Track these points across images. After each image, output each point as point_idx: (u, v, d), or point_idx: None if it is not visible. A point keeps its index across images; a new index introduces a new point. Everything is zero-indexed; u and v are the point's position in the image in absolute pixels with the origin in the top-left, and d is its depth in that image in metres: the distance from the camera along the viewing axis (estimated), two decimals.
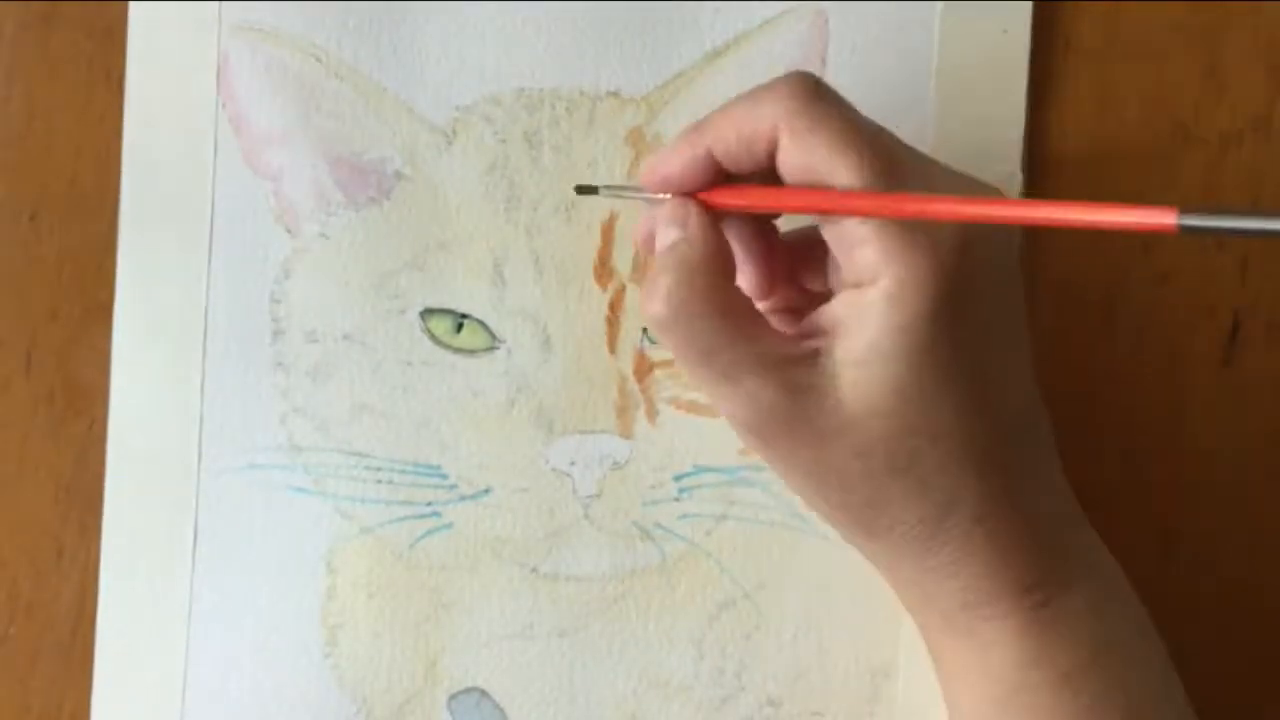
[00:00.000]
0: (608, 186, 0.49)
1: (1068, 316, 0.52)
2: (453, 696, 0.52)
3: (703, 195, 0.46)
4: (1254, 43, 0.52)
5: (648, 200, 0.47)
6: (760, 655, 0.52)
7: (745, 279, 0.47)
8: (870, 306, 0.43)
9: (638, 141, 0.52)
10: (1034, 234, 0.51)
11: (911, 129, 0.51)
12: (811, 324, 0.45)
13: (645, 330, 0.52)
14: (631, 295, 0.52)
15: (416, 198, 0.52)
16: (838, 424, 0.43)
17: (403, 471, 0.52)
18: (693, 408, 0.52)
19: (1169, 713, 0.46)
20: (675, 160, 0.46)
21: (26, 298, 0.52)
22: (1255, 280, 0.52)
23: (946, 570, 0.45)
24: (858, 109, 0.45)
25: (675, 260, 0.44)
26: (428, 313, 0.52)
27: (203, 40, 0.52)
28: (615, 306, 0.52)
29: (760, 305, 0.47)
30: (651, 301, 0.44)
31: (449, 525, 0.52)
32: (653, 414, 0.52)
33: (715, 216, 0.46)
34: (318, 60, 0.52)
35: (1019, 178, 0.51)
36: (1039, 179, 0.52)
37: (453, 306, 0.52)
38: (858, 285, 0.43)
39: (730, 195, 0.46)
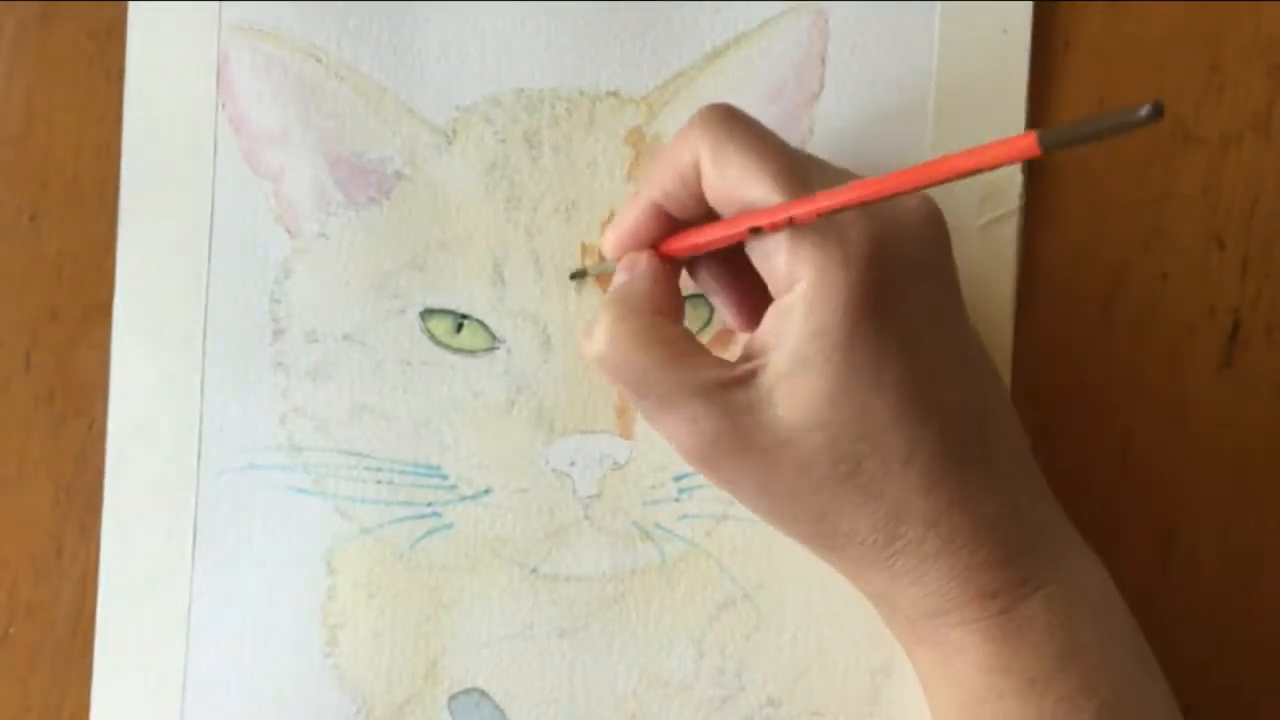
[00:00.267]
0: (594, 266, 0.51)
1: (1068, 316, 0.52)
2: (453, 697, 0.52)
3: (660, 247, 0.47)
4: (1254, 43, 0.52)
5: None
6: (760, 655, 0.52)
7: (729, 313, 0.48)
8: (789, 313, 0.43)
9: (637, 141, 0.52)
10: (1034, 234, 0.52)
11: (911, 129, 0.51)
12: (749, 347, 0.45)
13: None
14: None
15: (416, 198, 0.52)
16: (777, 441, 0.44)
17: (403, 472, 0.52)
18: None
19: (1144, 716, 0.46)
20: (626, 220, 0.47)
21: (26, 298, 0.52)
22: (1255, 280, 0.52)
23: (908, 578, 0.45)
24: (771, 131, 0.45)
25: (612, 300, 0.46)
26: (428, 313, 0.52)
27: (202, 40, 0.52)
28: None
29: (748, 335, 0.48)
30: (588, 340, 0.45)
31: (449, 525, 0.52)
32: None
33: (669, 263, 0.47)
34: (317, 60, 0.52)
35: (1019, 178, 0.51)
36: (1039, 179, 0.52)
37: (453, 307, 0.52)
38: (779, 297, 0.44)
39: (674, 241, 0.47)
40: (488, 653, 0.52)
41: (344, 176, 0.52)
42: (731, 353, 0.47)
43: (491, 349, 0.52)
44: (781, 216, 0.43)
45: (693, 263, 0.48)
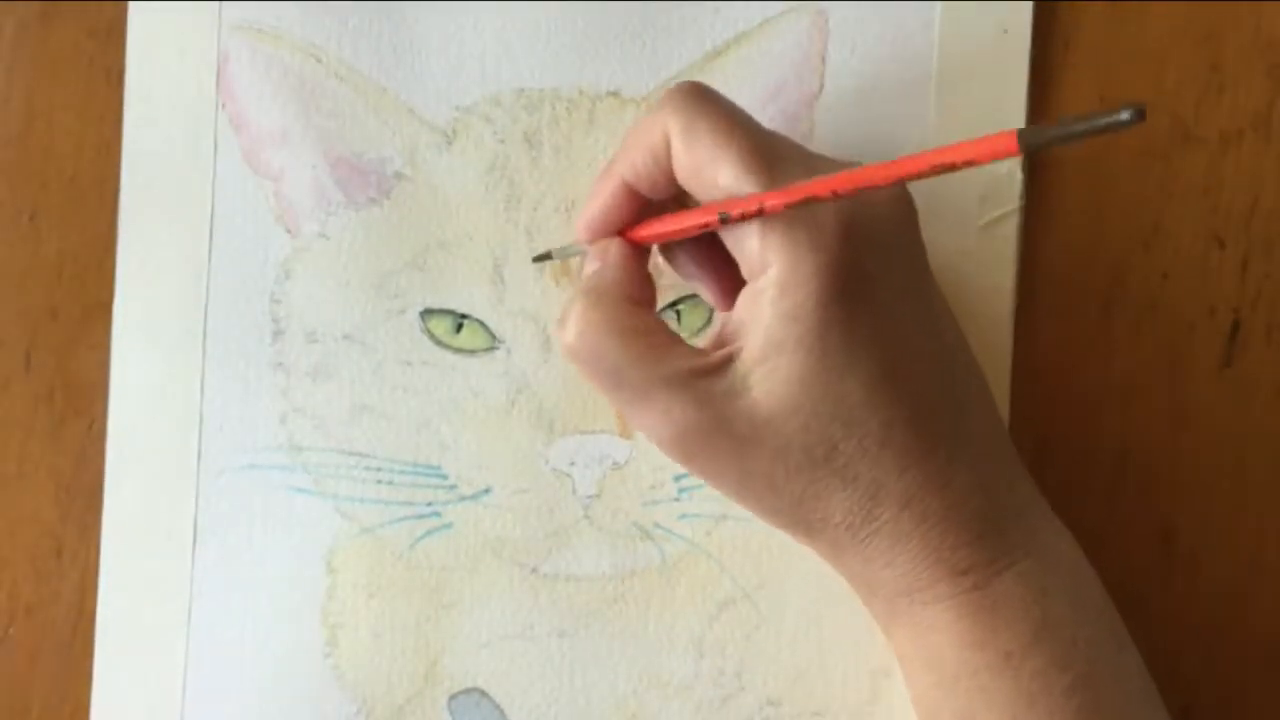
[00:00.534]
0: (560, 250, 0.50)
1: (1068, 316, 0.52)
2: (453, 697, 0.52)
3: (628, 233, 0.47)
4: (1254, 43, 0.52)
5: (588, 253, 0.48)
6: (760, 655, 0.52)
7: (707, 294, 0.48)
8: (761, 297, 0.43)
9: None
10: (1034, 234, 0.51)
11: (911, 128, 0.51)
12: (722, 332, 0.45)
13: None
14: None
15: (416, 198, 0.52)
16: (752, 427, 0.44)
17: (403, 471, 0.52)
18: None
19: (1118, 691, 0.46)
20: (596, 200, 0.47)
21: (26, 297, 0.53)
22: (1255, 280, 0.52)
23: (884, 559, 0.45)
24: (743, 109, 0.45)
25: (584, 289, 0.46)
26: (428, 313, 0.52)
27: (202, 40, 0.52)
28: None
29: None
30: (561, 330, 0.45)
31: (449, 525, 0.52)
32: None
33: (640, 249, 0.47)
34: (317, 60, 0.52)
35: (1019, 177, 0.51)
36: (1038, 179, 0.52)
37: (453, 307, 0.52)
38: (752, 280, 0.44)
39: (645, 227, 0.47)
40: (488, 653, 0.52)
41: (344, 176, 0.52)
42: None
43: (491, 349, 0.52)
44: (753, 206, 0.43)
45: (667, 245, 0.48)
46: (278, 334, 0.52)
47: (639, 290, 0.46)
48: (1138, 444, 0.52)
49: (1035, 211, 0.52)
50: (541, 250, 0.51)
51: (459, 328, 0.52)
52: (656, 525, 0.52)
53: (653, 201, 0.47)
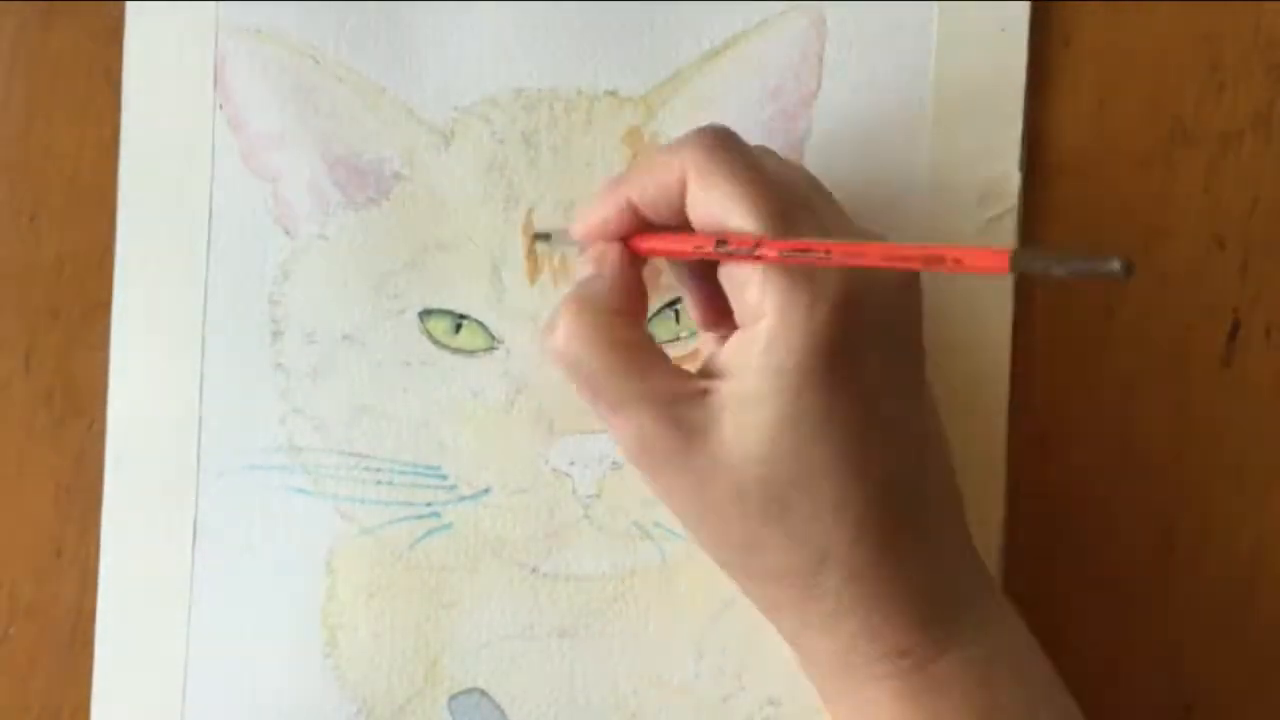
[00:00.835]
0: (559, 232, 0.50)
1: (1068, 317, 0.52)
2: (453, 697, 0.52)
3: (628, 242, 0.47)
4: (1254, 43, 0.52)
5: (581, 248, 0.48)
6: (760, 655, 0.52)
7: (693, 309, 0.48)
8: (751, 346, 0.43)
9: (636, 141, 0.52)
10: (1033, 233, 0.51)
11: (909, 129, 0.51)
12: (709, 364, 0.45)
13: None
14: None
15: (415, 198, 0.52)
16: (716, 465, 0.44)
17: (402, 472, 0.52)
18: None
19: None
20: (600, 210, 0.47)
21: (26, 298, 0.53)
22: (1255, 280, 0.52)
23: (823, 626, 0.45)
24: (773, 156, 0.46)
25: (576, 296, 0.46)
26: (426, 313, 0.52)
27: (200, 41, 0.52)
28: None
29: (711, 334, 0.48)
30: (548, 333, 0.45)
31: (449, 526, 0.52)
32: None
33: (637, 259, 0.47)
34: (315, 61, 0.52)
35: (1017, 177, 0.51)
36: (1037, 179, 0.52)
37: (451, 307, 0.52)
38: (745, 327, 0.44)
39: (644, 240, 0.47)
40: (488, 653, 0.52)
41: (342, 177, 0.52)
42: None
43: (491, 349, 0.52)
44: (749, 243, 0.43)
45: (651, 259, 0.48)
46: (277, 335, 0.52)
47: (630, 302, 0.46)
48: (1138, 444, 0.52)
49: (1034, 211, 0.52)
50: (543, 230, 0.51)
51: (458, 328, 0.52)
52: (657, 525, 0.52)
53: (651, 223, 0.47)
